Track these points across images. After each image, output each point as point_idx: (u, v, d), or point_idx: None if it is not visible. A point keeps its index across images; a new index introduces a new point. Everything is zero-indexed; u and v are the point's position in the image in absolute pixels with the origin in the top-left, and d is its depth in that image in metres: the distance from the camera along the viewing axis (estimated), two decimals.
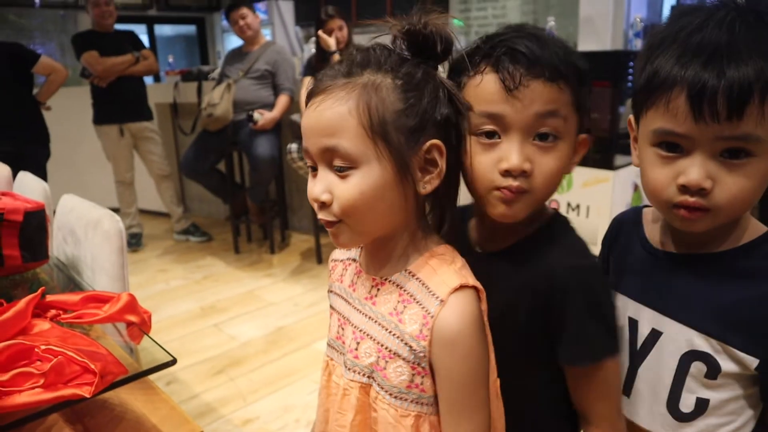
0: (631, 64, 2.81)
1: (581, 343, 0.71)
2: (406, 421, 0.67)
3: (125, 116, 3.66)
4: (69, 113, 3.96)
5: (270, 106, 3.42)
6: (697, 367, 0.71)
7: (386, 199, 0.64)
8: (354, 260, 0.77)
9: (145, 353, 0.94)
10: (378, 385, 0.69)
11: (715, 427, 0.71)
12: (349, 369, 0.72)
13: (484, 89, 0.68)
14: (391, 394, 0.67)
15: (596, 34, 3.03)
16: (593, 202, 2.75)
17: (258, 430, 1.93)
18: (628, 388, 0.79)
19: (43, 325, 0.89)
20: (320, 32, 3.20)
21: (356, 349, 0.71)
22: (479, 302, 0.66)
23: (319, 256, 3.49)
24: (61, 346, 0.78)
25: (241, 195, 3.71)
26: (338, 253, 0.82)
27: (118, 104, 3.62)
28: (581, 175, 2.76)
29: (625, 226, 0.85)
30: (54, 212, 1.69)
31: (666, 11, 3.40)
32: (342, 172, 0.63)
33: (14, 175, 1.97)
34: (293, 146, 3.18)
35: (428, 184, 0.66)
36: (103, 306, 0.96)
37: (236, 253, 3.74)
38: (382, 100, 0.63)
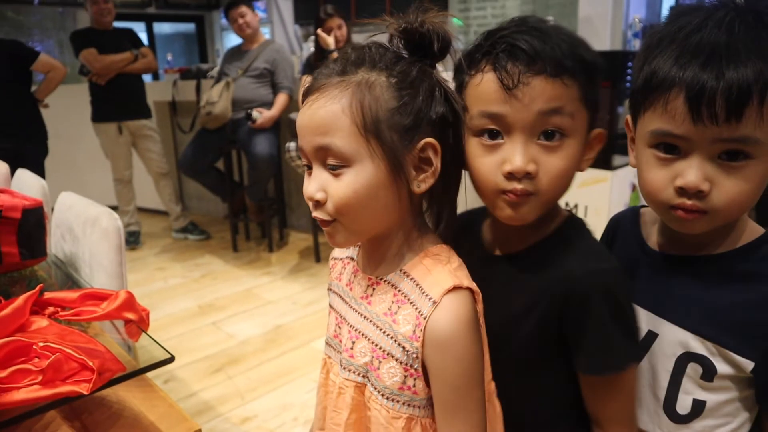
0: (630, 64, 2.81)
1: (605, 352, 0.68)
2: (397, 423, 0.67)
3: (124, 114, 3.65)
4: (67, 111, 3.96)
5: (269, 105, 3.42)
6: (694, 369, 0.70)
7: (380, 197, 0.64)
8: (352, 259, 0.77)
9: (143, 351, 0.94)
10: (372, 385, 0.69)
11: (711, 428, 0.71)
12: (344, 368, 0.72)
13: (484, 89, 0.67)
14: (383, 395, 0.67)
15: (595, 34, 3.03)
16: (591, 202, 2.75)
17: (256, 429, 1.93)
18: None
19: (41, 322, 0.89)
20: (319, 31, 3.20)
21: (352, 349, 0.71)
22: (474, 303, 0.66)
23: (317, 254, 3.48)
24: (59, 343, 0.78)
25: (239, 193, 3.71)
26: (338, 251, 0.82)
27: (116, 102, 3.62)
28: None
29: (623, 226, 0.84)
30: (52, 210, 1.69)
31: (665, 12, 3.40)
32: (335, 170, 0.63)
33: (12, 172, 1.97)
34: (292, 145, 3.18)
35: (423, 182, 0.66)
36: (101, 303, 0.96)
37: (234, 251, 3.73)
38: (376, 99, 0.62)
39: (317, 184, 0.65)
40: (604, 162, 2.66)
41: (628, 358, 0.69)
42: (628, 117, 0.73)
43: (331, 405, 0.74)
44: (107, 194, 3.77)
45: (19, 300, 0.90)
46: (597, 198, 2.72)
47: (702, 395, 0.71)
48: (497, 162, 0.67)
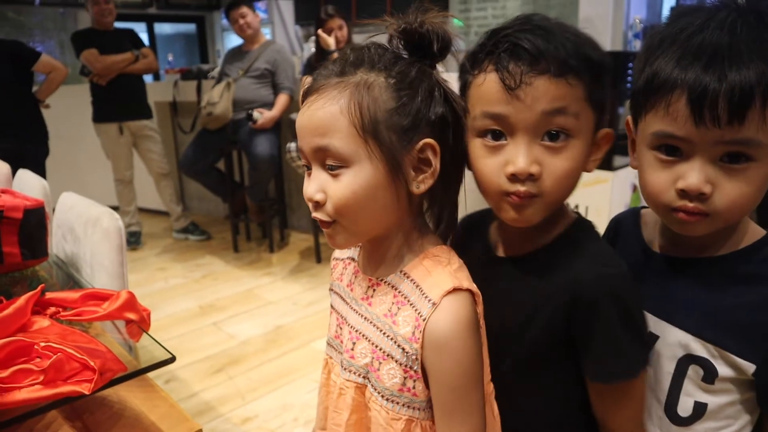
0: (631, 65, 2.81)
1: (614, 359, 0.67)
2: (397, 424, 0.67)
3: (125, 114, 3.66)
4: (68, 111, 3.96)
5: (269, 105, 3.42)
6: (695, 371, 0.70)
7: (379, 198, 0.64)
8: (353, 259, 0.77)
9: (144, 351, 0.94)
10: (372, 386, 0.69)
11: (713, 431, 0.71)
12: (345, 369, 0.72)
13: (486, 89, 0.66)
14: (383, 396, 0.67)
15: (596, 34, 3.00)
16: (592, 202, 2.75)
17: (257, 429, 1.93)
18: None
19: (42, 322, 0.90)
20: (320, 31, 3.20)
21: (352, 349, 0.71)
22: (474, 305, 0.66)
23: (318, 255, 3.49)
24: (61, 343, 0.78)
25: (240, 194, 3.71)
26: (339, 252, 0.82)
27: (117, 102, 3.62)
28: None
29: (623, 227, 0.84)
30: (53, 210, 1.69)
31: (665, 12, 3.40)
32: (334, 171, 0.63)
33: (13, 172, 1.97)
34: (292, 145, 3.18)
35: (422, 183, 0.66)
36: (103, 303, 0.97)
37: (235, 251, 3.74)
38: (374, 99, 0.62)
39: (316, 185, 0.65)
40: (605, 162, 2.63)
41: (638, 365, 0.68)
42: (629, 118, 0.72)
43: (332, 405, 0.74)
44: (108, 194, 3.77)
45: (21, 300, 0.90)
46: (598, 199, 2.72)
47: (703, 398, 0.70)
48: (500, 163, 0.66)
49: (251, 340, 2.55)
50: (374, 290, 0.71)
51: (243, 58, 3.50)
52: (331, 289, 0.81)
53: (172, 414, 0.86)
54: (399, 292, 0.68)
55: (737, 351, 0.66)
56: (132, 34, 3.76)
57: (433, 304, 0.63)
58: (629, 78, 2.78)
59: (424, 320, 0.63)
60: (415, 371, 0.65)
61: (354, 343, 0.71)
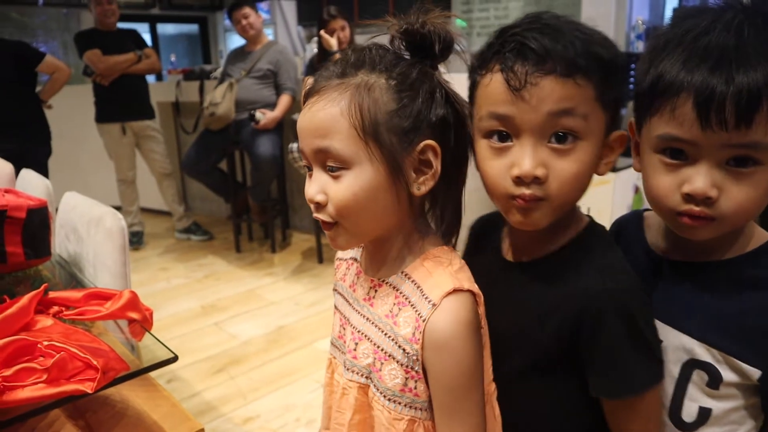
0: (633, 66, 2.81)
1: (617, 375, 0.66)
2: (399, 424, 0.67)
3: (127, 115, 3.67)
4: (71, 111, 3.97)
5: (272, 106, 3.42)
6: (699, 376, 0.69)
7: (380, 200, 0.64)
8: (356, 260, 0.78)
9: (147, 351, 0.94)
10: (374, 386, 0.69)
11: None
12: (348, 369, 0.72)
13: (492, 89, 0.64)
14: (385, 396, 0.67)
15: None
16: (594, 203, 2.74)
17: (258, 429, 1.93)
18: None
19: (45, 321, 0.90)
20: (322, 32, 3.20)
21: (355, 350, 0.71)
22: (475, 306, 0.65)
23: (320, 255, 3.49)
24: (64, 342, 0.78)
25: (242, 194, 3.71)
26: (342, 252, 0.82)
27: (120, 103, 3.63)
28: None
29: (626, 230, 0.82)
30: (56, 210, 1.69)
31: (668, 13, 3.40)
32: (335, 172, 0.63)
33: (16, 172, 1.98)
34: (295, 146, 3.18)
35: (423, 185, 0.65)
36: (105, 303, 0.97)
37: (237, 252, 3.74)
38: (375, 101, 0.62)
39: (317, 186, 0.65)
40: None
41: (643, 383, 0.66)
42: (632, 120, 0.71)
43: (335, 405, 0.75)
44: (110, 194, 3.78)
45: (24, 299, 0.90)
46: (599, 200, 2.72)
47: (708, 403, 0.69)
48: (506, 165, 0.65)
49: (253, 340, 2.55)
50: (376, 291, 0.71)
51: (245, 58, 3.51)
52: (334, 290, 0.81)
53: (174, 413, 0.86)
54: (400, 293, 0.68)
55: (742, 356, 0.65)
56: (135, 35, 3.77)
57: (433, 305, 0.63)
58: (632, 79, 2.77)
59: (424, 321, 0.63)
60: (416, 372, 0.65)
61: (356, 344, 0.71)
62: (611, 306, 0.64)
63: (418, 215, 0.70)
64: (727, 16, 0.60)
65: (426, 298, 0.64)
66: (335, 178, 0.63)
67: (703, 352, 0.68)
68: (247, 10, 3.42)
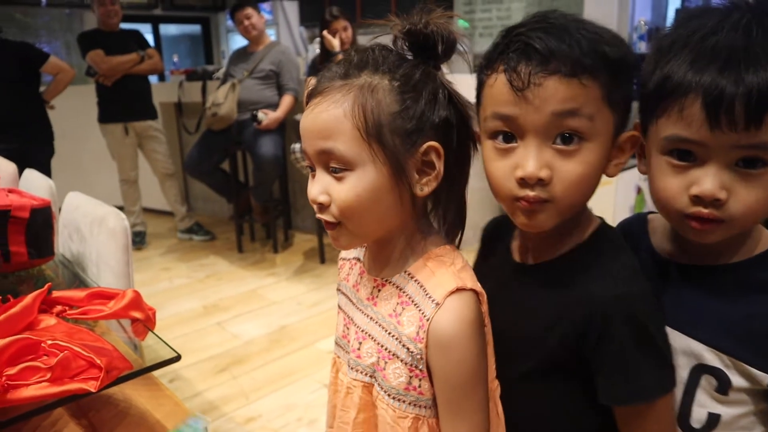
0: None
1: (625, 382, 0.64)
2: (404, 422, 0.67)
3: (130, 115, 3.68)
4: (74, 112, 3.98)
5: (274, 106, 3.43)
6: (708, 381, 0.67)
7: (383, 201, 0.64)
8: (359, 260, 0.78)
9: (149, 350, 0.95)
10: (378, 385, 0.69)
11: None
12: (352, 368, 0.72)
13: (496, 89, 0.64)
14: (389, 395, 0.67)
15: None
16: (595, 205, 2.73)
17: (260, 429, 1.93)
18: None
19: (49, 320, 0.90)
20: (325, 33, 3.21)
21: (359, 349, 0.71)
22: (479, 304, 0.66)
23: (322, 255, 3.49)
24: (67, 341, 0.78)
25: (244, 194, 3.72)
26: (346, 252, 0.82)
27: (122, 103, 3.64)
28: None
29: (630, 233, 0.80)
30: (60, 210, 1.70)
31: (671, 14, 3.39)
32: (338, 173, 0.63)
33: (19, 172, 1.99)
34: (297, 146, 3.18)
35: (426, 186, 0.65)
36: (108, 302, 0.97)
37: (239, 252, 3.74)
38: (378, 102, 0.62)
39: (320, 187, 0.65)
40: None
41: (652, 390, 0.65)
42: (636, 122, 0.70)
43: (339, 404, 0.75)
44: (113, 195, 3.78)
45: (28, 298, 0.90)
46: (601, 201, 2.70)
47: (717, 408, 0.68)
48: (510, 167, 0.64)
49: (255, 340, 2.55)
50: (379, 291, 0.71)
51: (248, 59, 3.51)
52: (338, 290, 0.81)
53: (177, 412, 0.87)
54: (403, 292, 0.68)
55: (752, 361, 0.64)
56: (137, 35, 3.78)
57: (437, 304, 0.64)
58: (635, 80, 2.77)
59: (427, 320, 0.64)
60: (421, 370, 0.66)
61: (360, 343, 0.71)
62: (620, 312, 0.63)
63: (420, 215, 0.70)
64: (735, 16, 0.60)
65: (429, 297, 0.65)
66: (338, 179, 0.63)
67: (711, 357, 0.67)
68: (249, 10, 3.43)
